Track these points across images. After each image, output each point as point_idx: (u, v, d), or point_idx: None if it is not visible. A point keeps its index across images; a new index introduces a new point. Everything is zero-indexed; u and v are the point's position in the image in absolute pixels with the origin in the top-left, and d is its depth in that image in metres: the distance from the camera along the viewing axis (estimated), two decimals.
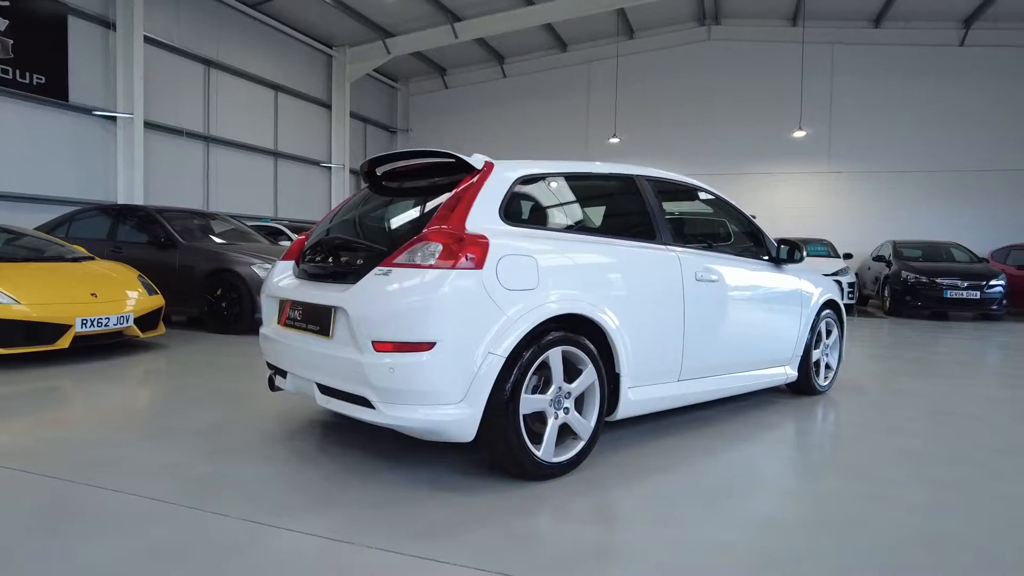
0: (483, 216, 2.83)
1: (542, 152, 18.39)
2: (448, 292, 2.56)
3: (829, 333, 4.92)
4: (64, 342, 5.34)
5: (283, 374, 3.19)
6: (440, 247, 2.61)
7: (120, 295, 5.94)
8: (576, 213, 3.46)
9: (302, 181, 16.39)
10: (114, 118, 11.41)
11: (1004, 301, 11.20)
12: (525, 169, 3.10)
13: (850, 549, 2.26)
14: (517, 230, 2.88)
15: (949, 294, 11.12)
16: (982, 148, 15.22)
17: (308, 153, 16.42)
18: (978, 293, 11.09)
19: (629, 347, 3.13)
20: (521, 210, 3.03)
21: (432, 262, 2.59)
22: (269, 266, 7.26)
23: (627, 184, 3.59)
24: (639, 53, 17.39)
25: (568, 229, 3.26)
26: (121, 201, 11.32)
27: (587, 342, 2.94)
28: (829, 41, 15.87)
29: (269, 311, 3.34)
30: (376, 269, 2.70)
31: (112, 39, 11.35)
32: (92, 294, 5.71)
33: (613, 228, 3.43)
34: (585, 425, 2.97)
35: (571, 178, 3.44)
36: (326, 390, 2.85)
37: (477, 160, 3.02)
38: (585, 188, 3.54)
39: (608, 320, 3.02)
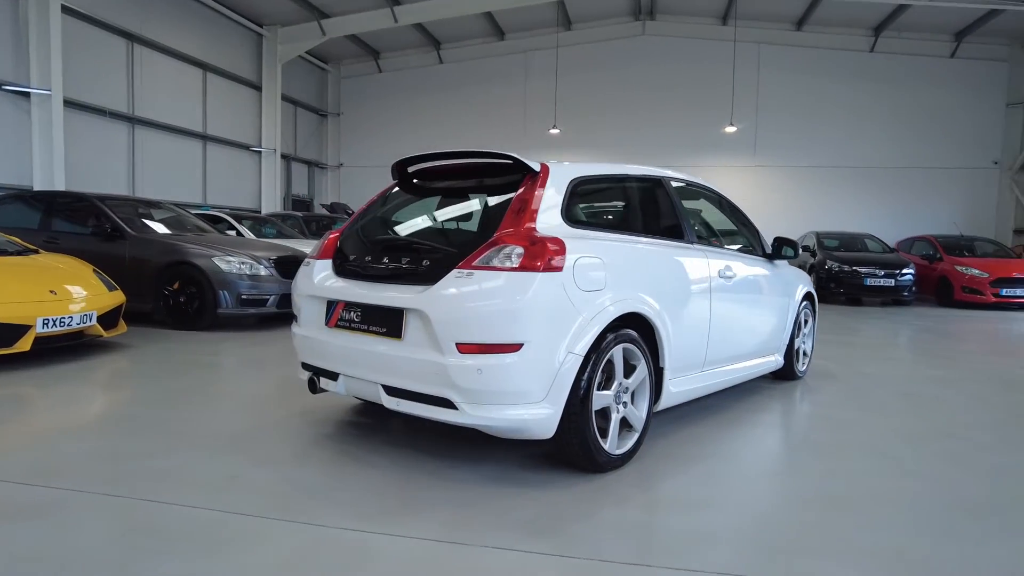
0: (549, 219, 2.88)
1: (479, 140, 18.41)
2: (535, 294, 2.61)
3: (806, 322, 5.30)
4: (24, 344, 4.91)
5: (331, 376, 3.12)
6: (522, 250, 2.65)
7: (79, 292, 5.52)
8: (621, 214, 3.57)
9: (232, 166, 15.61)
10: (28, 94, 10.43)
11: (913, 288, 12.36)
12: (578, 172, 3.17)
13: (898, 519, 2.51)
14: (581, 232, 2.95)
15: (869, 282, 12.13)
16: (889, 147, 16.57)
17: (238, 137, 15.65)
18: (892, 281, 12.16)
19: (672, 342, 3.29)
20: (579, 212, 3.10)
21: (516, 265, 2.62)
22: (232, 258, 6.95)
23: (657, 185, 3.73)
24: (578, 45, 17.67)
25: (617, 230, 3.37)
26: (37, 187, 10.41)
27: (639, 339, 3.07)
28: (755, 41, 16.74)
29: (310, 312, 3.25)
30: (455, 271, 2.70)
31: (24, 6, 10.35)
32: (51, 291, 5.28)
33: (651, 228, 3.58)
34: (639, 417, 3.11)
35: (614, 180, 3.55)
36: (395, 392, 2.83)
37: (533, 162, 3.06)
38: (625, 190, 3.66)
39: (657, 317, 3.16)
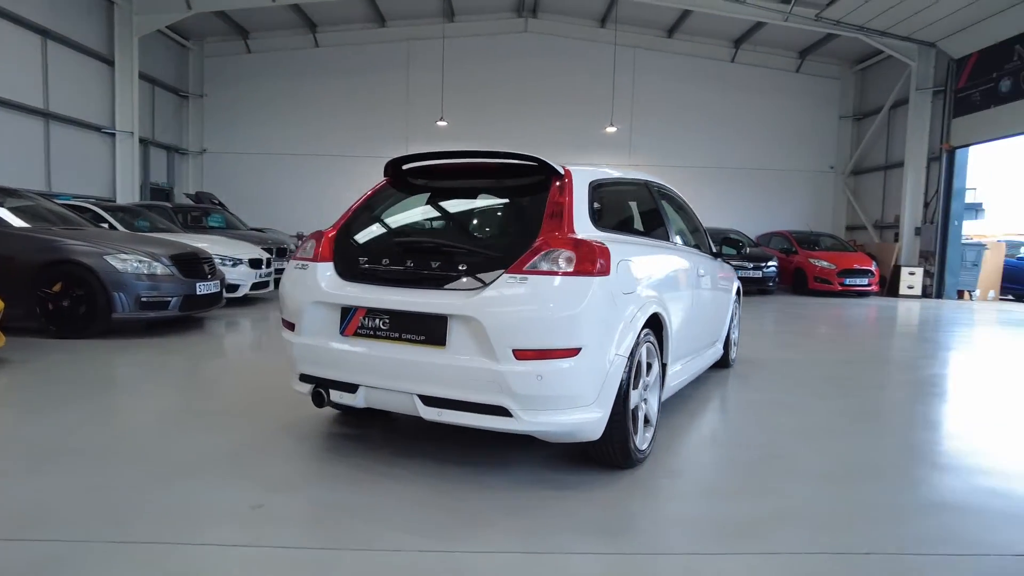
0: (581, 222, 2.88)
1: (359, 128, 17.75)
2: (592, 298, 2.60)
3: (735, 314, 5.73)
4: None
5: (346, 388, 2.89)
6: (572, 254, 2.62)
7: None
8: (629, 217, 3.64)
9: (81, 149, 13.75)
10: None
11: (776, 279, 13.77)
12: (593, 175, 3.18)
13: (885, 492, 2.83)
14: (609, 235, 2.98)
15: (740, 273, 13.29)
16: (747, 150, 18.19)
17: (88, 116, 13.80)
18: (760, 272, 13.46)
19: (673, 338, 3.43)
20: (601, 215, 3.12)
21: (570, 269, 2.59)
22: (128, 256, 6.17)
23: (648, 189, 3.86)
24: (463, 37, 17.57)
25: (627, 232, 3.43)
26: None
27: (654, 337, 3.17)
28: (632, 45, 17.63)
29: (316, 319, 2.98)
30: (506, 276, 2.61)
31: None
32: None
33: (649, 231, 3.69)
34: (654, 412, 3.21)
35: (620, 184, 3.62)
36: (435, 402, 2.68)
37: (557, 165, 3.04)
38: (628, 193, 3.74)
39: (666, 316, 3.28)
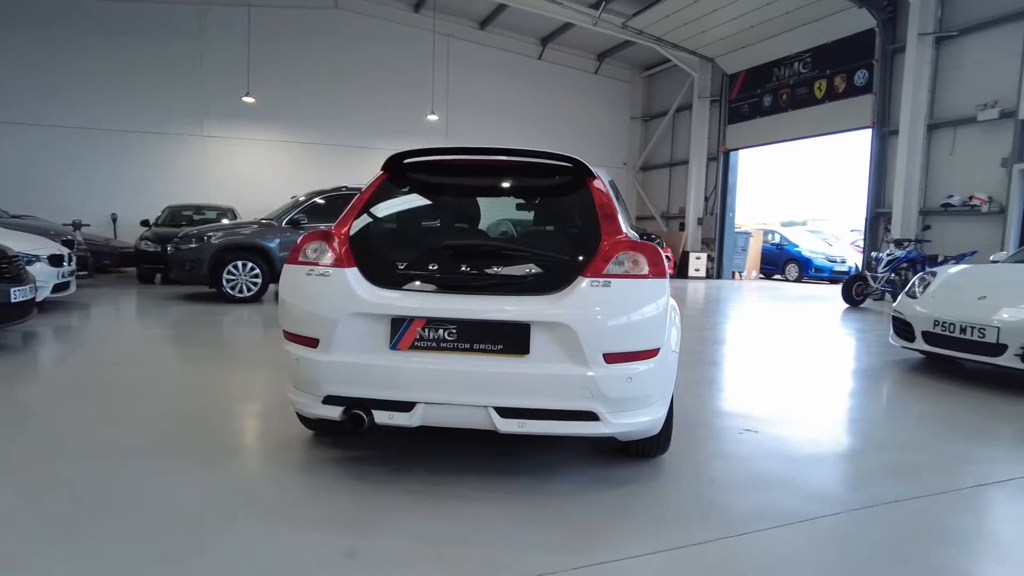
0: (624, 222, 2.94)
1: (143, 97, 15.36)
2: (667, 299, 2.67)
3: None
4: None
5: (398, 408, 2.61)
6: (643, 257, 2.66)
7: None
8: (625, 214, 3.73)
9: None
10: None
11: None
12: (600, 170, 3.22)
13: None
14: (635, 233, 3.07)
15: None
16: (554, 145, 19.27)
17: None
18: None
19: (678, 330, 3.64)
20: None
21: (646, 272, 2.63)
22: None
23: (615, 185, 4.00)
24: (269, 7, 16.02)
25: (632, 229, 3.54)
26: None
27: None
28: (446, 34, 17.64)
29: (356, 333, 2.61)
30: (589, 280, 2.57)
31: None
32: None
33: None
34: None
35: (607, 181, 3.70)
36: (515, 413, 2.55)
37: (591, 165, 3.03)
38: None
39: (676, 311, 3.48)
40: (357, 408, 2.63)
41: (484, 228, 3.15)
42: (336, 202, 9.53)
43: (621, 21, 15.28)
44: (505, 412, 2.55)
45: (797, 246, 17.91)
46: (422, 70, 17.26)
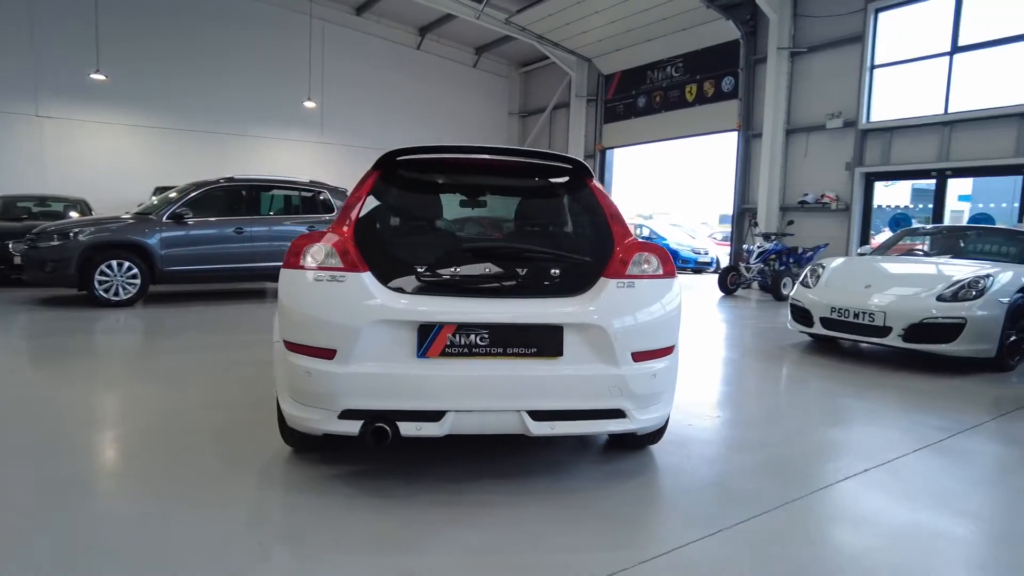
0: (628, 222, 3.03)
1: None
2: (680, 298, 2.79)
3: None
4: None
5: (426, 418, 2.50)
6: (657, 257, 2.76)
7: None
8: None
9: None
10: None
11: None
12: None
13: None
14: None
15: None
16: (434, 138, 19.17)
17: None
18: None
19: None
20: None
21: (662, 272, 2.73)
22: None
23: None
24: None
25: None
26: None
27: None
28: (321, 18, 16.81)
29: (378, 342, 2.46)
30: (616, 281, 2.62)
31: None
32: None
33: None
34: None
35: None
36: (547, 415, 2.54)
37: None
38: None
39: None
40: (380, 421, 2.49)
41: (509, 230, 3.10)
42: (226, 194, 8.80)
43: (504, 17, 15.43)
44: (538, 415, 2.55)
45: (665, 239, 19.18)
46: (298, 55, 16.34)
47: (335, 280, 2.52)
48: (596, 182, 3.05)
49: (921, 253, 6.93)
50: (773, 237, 11.38)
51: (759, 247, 11.07)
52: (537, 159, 2.99)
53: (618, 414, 2.63)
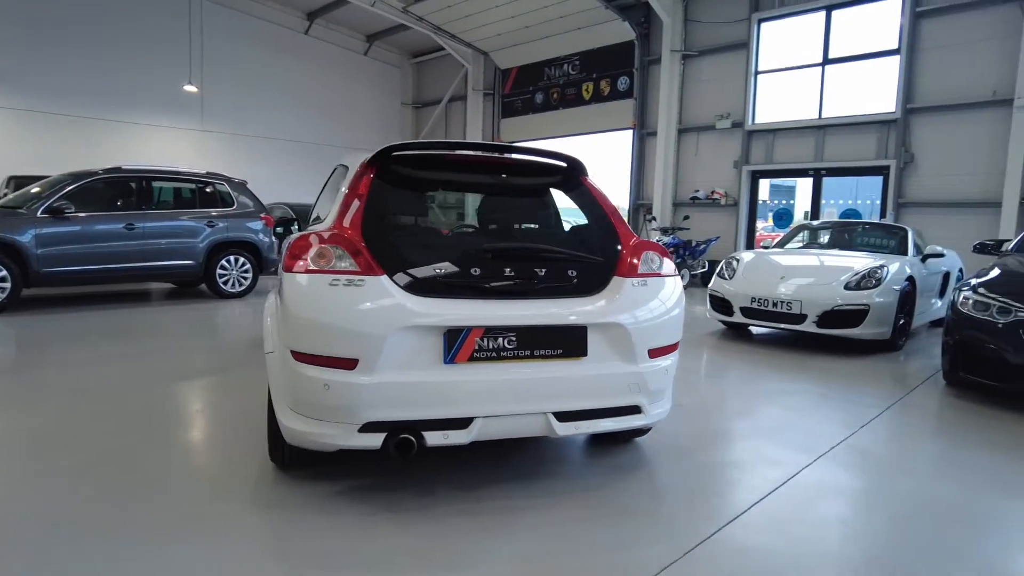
0: None
1: None
2: (683, 295, 2.88)
3: None
4: None
5: (454, 425, 2.42)
6: (660, 256, 2.83)
7: None
8: None
9: None
10: None
11: None
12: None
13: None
14: None
15: None
16: (320, 126, 18.30)
17: None
18: None
19: None
20: None
21: (663, 270, 2.81)
22: None
23: None
24: None
25: None
26: None
27: None
28: None
29: (406, 349, 2.34)
30: (629, 280, 2.66)
31: None
32: None
33: None
34: None
35: None
36: (570, 416, 2.54)
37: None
38: None
39: None
40: (404, 432, 2.38)
41: (526, 230, 3.04)
42: (110, 186, 7.93)
43: (402, 6, 15.05)
44: (563, 416, 2.55)
45: None
46: (177, 35, 14.98)
47: (353, 284, 2.37)
48: (591, 180, 3.08)
49: (817, 247, 7.63)
50: (670, 231, 12.03)
51: (658, 240, 11.67)
52: (535, 156, 2.97)
53: (635, 410, 2.68)
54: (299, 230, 12.43)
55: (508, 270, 2.57)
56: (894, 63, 10.35)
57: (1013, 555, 2.36)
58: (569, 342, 2.55)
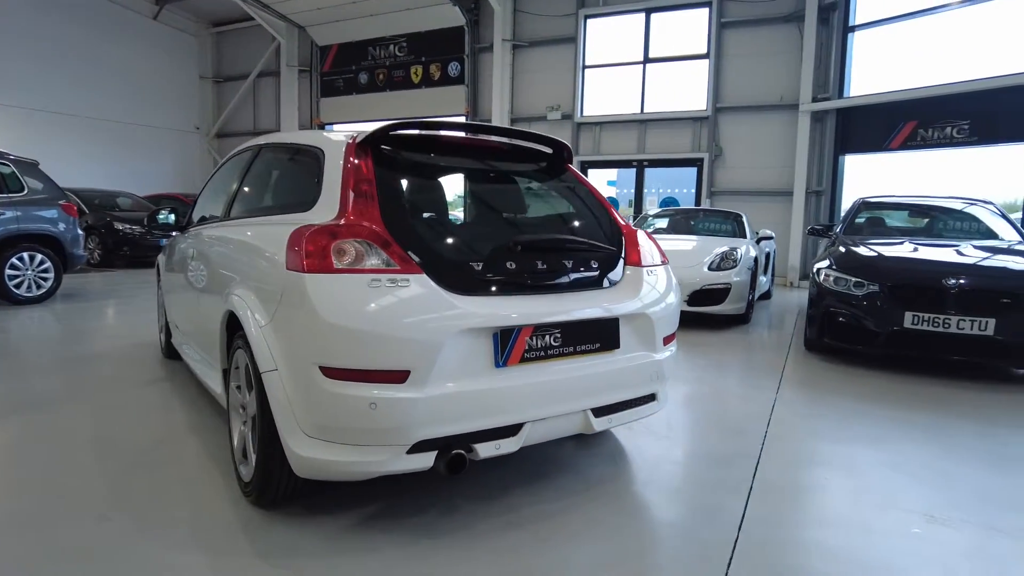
0: None
1: None
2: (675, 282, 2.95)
3: None
4: None
5: (503, 434, 2.23)
6: (654, 244, 2.88)
7: None
8: None
9: None
10: None
11: None
12: None
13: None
14: None
15: None
16: (116, 101, 15.70)
17: None
18: None
19: None
20: None
21: (663, 259, 2.87)
22: None
23: None
24: None
25: None
26: None
27: None
28: None
29: (459, 356, 2.08)
30: (644, 270, 2.67)
31: None
32: None
33: None
34: None
35: None
36: (605, 410, 2.49)
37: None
38: None
39: None
40: (455, 447, 2.16)
41: (546, 219, 2.85)
42: None
43: None
44: (599, 411, 2.49)
45: None
46: None
47: (397, 285, 2.06)
48: (572, 166, 3.04)
49: (665, 232, 8.34)
50: None
51: None
52: (526, 140, 2.84)
53: (652, 398, 2.72)
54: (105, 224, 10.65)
55: (540, 263, 2.43)
56: (704, 66, 11.64)
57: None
58: (604, 335, 2.49)
